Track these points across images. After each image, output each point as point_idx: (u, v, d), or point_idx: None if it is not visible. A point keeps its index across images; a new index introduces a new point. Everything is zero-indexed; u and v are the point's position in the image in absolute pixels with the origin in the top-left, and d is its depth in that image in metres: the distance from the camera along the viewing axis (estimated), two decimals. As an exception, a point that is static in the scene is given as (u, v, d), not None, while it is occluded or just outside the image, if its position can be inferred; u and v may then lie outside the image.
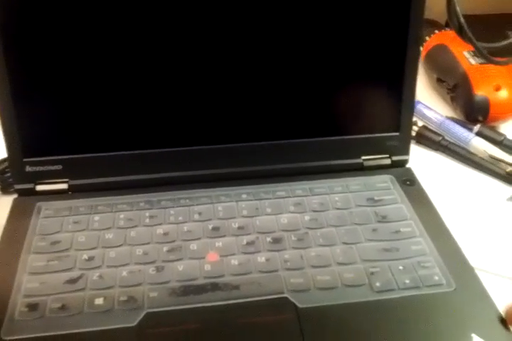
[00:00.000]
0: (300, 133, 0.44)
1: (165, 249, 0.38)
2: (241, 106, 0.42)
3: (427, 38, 0.65)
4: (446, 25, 0.76)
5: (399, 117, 0.44)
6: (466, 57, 0.58)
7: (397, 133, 0.45)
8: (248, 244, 0.38)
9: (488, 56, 0.46)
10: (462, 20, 0.44)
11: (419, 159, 0.51)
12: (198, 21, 0.39)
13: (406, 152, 0.46)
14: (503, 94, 0.53)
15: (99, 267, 0.36)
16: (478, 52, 0.45)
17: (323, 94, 0.43)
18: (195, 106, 0.42)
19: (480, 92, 0.53)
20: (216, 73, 0.41)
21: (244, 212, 0.41)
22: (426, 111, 0.57)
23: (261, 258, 0.37)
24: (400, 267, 0.37)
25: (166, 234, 0.39)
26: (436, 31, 0.65)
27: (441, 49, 0.61)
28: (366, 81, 0.43)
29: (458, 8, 0.44)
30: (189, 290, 0.35)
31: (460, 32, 0.44)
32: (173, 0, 0.38)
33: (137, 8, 0.38)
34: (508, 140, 0.52)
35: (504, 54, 0.51)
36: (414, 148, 0.53)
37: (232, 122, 0.43)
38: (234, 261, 0.37)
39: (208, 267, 0.36)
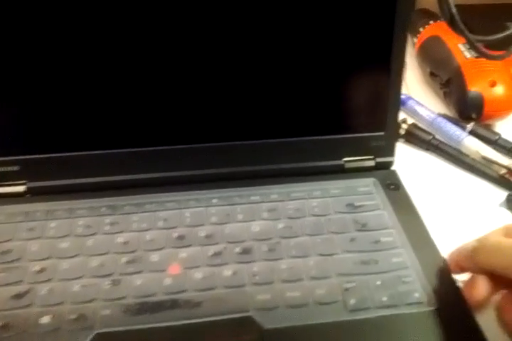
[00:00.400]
0: (277, 132, 0.41)
1: (123, 260, 0.35)
2: (212, 102, 0.39)
3: (421, 30, 0.62)
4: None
5: (384, 115, 0.41)
6: (461, 50, 0.54)
7: (381, 133, 0.42)
8: (215, 254, 0.35)
9: (481, 50, 0.42)
10: (454, 10, 0.40)
11: (408, 159, 0.47)
12: (181, 23, 0.35)
13: (391, 153, 0.42)
14: (499, 90, 0.49)
15: (49, 280, 0.33)
16: (470, 46, 0.42)
17: (301, 91, 0.39)
18: (161, 104, 0.38)
19: (474, 88, 0.50)
20: (189, 68, 0.37)
21: (214, 219, 0.38)
22: (417, 108, 0.53)
23: (227, 272, 0.34)
24: (378, 282, 0.33)
25: (126, 243, 0.36)
26: (432, 22, 0.61)
27: (435, 41, 0.58)
28: (348, 76, 0.39)
29: (450, -2, 0.41)
30: (146, 307, 0.32)
31: (451, 23, 0.41)
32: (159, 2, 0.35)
33: (118, 5, 0.34)
34: (503, 139, 0.49)
35: (502, 47, 0.47)
36: (403, 148, 0.50)
37: (203, 120, 0.40)
38: (197, 275, 0.34)
39: (168, 281, 0.33)
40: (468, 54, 0.53)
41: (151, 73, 0.37)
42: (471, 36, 0.42)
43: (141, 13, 0.35)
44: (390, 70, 0.39)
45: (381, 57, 0.39)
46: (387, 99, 0.40)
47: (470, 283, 0.32)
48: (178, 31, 0.36)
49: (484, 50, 0.43)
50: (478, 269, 0.31)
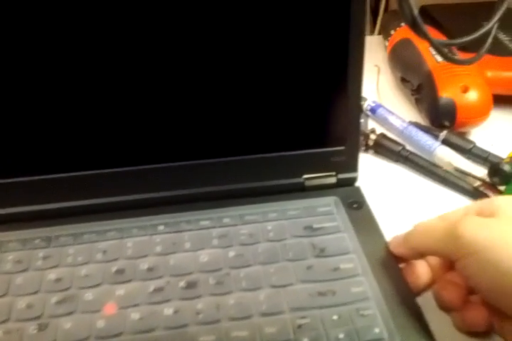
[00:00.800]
0: (229, 150, 0.37)
1: (54, 299, 0.31)
2: (157, 118, 0.36)
3: (393, 32, 0.59)
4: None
5: (343, 128, 0.38)
6: (432, 53, 0.51)
7: (342, 147, 0.38)
8: (156, 290, 0.32)
9: (447, 55, 0.39)
10: (415, 12, 0.37)
11: (376, 173, 0.44)
12: (139, 44, 0.32)
13: (354, 168, 0.39)
14: (472, 96, 0.46)
15: (-33, 326, 0.30)
16: (436, 50, 0.39)
17: (253, 104, 0.36)
18: (99, 125, 0.35)
19: (445, 94, 0.47)
20: (136, 88, 0.34)
21: (158, 249, 0.34)
22: (388, 116, 0.50)
23: (168, 310, 0.31)
24: (335, 317, 0.30)
25: (58, 279, 0.33)
26: (403, 24, 0.58)
27: (405, 44, 0.55)
28: (303, 87, 0.36)
29: (410, -1, 0.38)
30: (72, 356, 0.28)
31: (413, 26, 0.38)
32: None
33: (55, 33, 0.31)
34: (478, 148, 0.46)
35: (477, 49, 0.44)
36: (372, 160, 0.47)
37: (147, 138, 0.36)
38: (135, 315, 0.30)
39: (101, 323, 0.30)
40: (439, 58, 0.50)
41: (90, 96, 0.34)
42: (436, 40, 0.38)
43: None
44: (348, 80, 0.36)
45: (337, 66, 0.36)
46: (346, 110, 0.37)
47: (409, 269, 0.33)
48: (138, 55, 0.33)
49: (450, 55, 0.40)
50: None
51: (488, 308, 0.30)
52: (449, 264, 0.32)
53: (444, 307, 0.32)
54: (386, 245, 0.35)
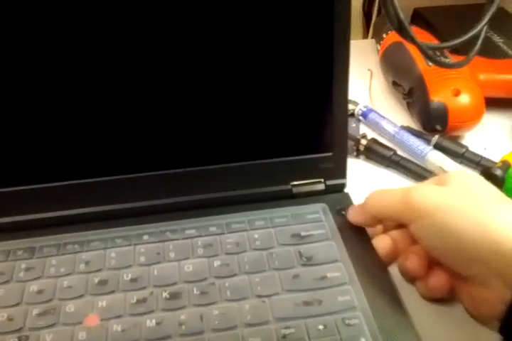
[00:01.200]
0: (214, 158, 0.37)
1: (35, 311, 0.31)
2: (140, 127, 0.35)
3: (385, 35, 0.58)
4: (412, 20, 0.69)
5: (331, 134, 0.37)
6: (423, 57, 0.50)
7: (329, 154, 0.38)
8: (138, 301, 0.31)
9: (435, 58, 0.39)
10: (401, 15, 0.37)
11: (366, 179, 0.44)
12: (115, 49, 0.32)
13: (342, 175, 0.38)
14: (463, 99, 0.46)
15: None
16: (423, 54, 0.38)
17: (239, 111, 0.36)
18: (79, 134, 0.35)
19: (437, 98, 0.46)
20: (113, 96, 0.34)
21: (142, 259, 0.34)
22: (379, 121, 0.49)
23: (151, 322, 0.30)
24: (320, 326, 0.29)
25: (40, 291, 0.32)
26: (395, 27, 0.58)
27: (397, 47, 0.54)
28: (287, 93, 0.36)
29: (396, 2, 0.37)
30: (50, 371, 0.28)
31: (400, 30, 0.37)
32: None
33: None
34: (471, 152, 0.45)
35: (468, 51, 0.44)
36: (363, 166, 0.46)
37: (129, 147, 0.36)
38: (116, 327, 0.30)
39: (82, 335, 0.29)
40: (430, 61, 0.49)
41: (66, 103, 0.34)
42: (423, 44, 0.38)
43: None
44: (333, 85, 0.35)
45: (321, 71, 0.35)
46: (332, 116, 0.36)
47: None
48: (118, 64, 0.33)
49: (439, 58, 0.39)
50: (370, 220, 0.34)
51: (447, 273, 0.32)
52: (412, 238, 0.33)
53: (409, 277, 0.34)
54: (374, 253, 0.34)
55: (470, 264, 0.29)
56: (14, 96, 0.33)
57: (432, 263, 0.33)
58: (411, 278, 0.34)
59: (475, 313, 0.32)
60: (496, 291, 0.29)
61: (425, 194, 0.31)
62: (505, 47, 0.57)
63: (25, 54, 0.32)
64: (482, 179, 0.33)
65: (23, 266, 0.34)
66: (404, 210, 0.32)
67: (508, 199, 0.31)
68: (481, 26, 0.42)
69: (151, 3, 0.31)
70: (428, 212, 0.30)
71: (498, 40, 0.58)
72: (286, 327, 0.29)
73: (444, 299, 0.33)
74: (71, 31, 0.31)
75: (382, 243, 0.34)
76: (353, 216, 0.36)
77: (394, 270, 0.34)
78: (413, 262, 0.33)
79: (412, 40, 0.37)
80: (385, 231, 0.36)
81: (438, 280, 0.32)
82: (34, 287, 0.32)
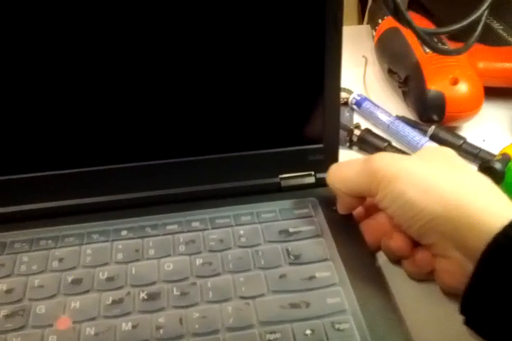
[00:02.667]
0: (199, 148, 0.35)
1: (3, 313, 0.29)
2: (119, 118, 0.33)
3: (380, 21, 0.56)
4: (409, 6, 0.66)
5: (321, 125, 0.35)
6: (420, 43, 0.48)
7: (320, 145, 0.36)
8: (114, 303, 0.29)
9: (433, 44, 0.36)
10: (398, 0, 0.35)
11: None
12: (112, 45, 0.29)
13: (334, 168, 0.37)
14: (462, 88, 0.43)
15: None
16: (420, 40, 0.36)
17: (225, 100, 0.33)
18: (63, 123, 0.32)
19: (434, 87, 0.44)
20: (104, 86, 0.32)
21: (119, 257, 0.32)
22: (373, 110, 0.47)
23: (127, 325, 0.28)
24: (308, 331, 0.28)
25: (9, 291, 0.30)
26: (391, 12, 0.55)
27: (393, 33, 0.52)
28: (275, 82, 0.33)
29: (393, -16, 0.35)
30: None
31: (396, 14, 0.35)
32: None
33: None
34: (469, 144, 0.43)
35: (467, 38, 0.41)
36: (356, 157, 0.44)
37: (106, 138, 0.34)
38: (90, 330, 0.28)
39: (53, 339, 0.27)
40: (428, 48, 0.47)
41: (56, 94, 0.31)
42: (421, 28, 0.36)
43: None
44: (324, 72, 0.33)
45: (311, 58, 0.33)
46: (323, 106, 0.34)
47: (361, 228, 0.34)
48: (111, 54, 0.30)
49: (436, 44, 0.37)
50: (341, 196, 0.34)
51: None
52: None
53: (394, 257, 0.33)
54: (366, 251, 0.32)
55: (427, 233, 0.29)
56: (16, 87, 0.31)
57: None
58: (397, 258, 0.33)
59: (441, 285, 0.31)
60: (456, 262, 0.28)
61: (386, 161, 0.31)
62: (505, 35, 0.54)
63: (25, 49, 0.30)
64: (452, 152, 0.32)
65: (-8, 263, 0.32)
66: (367, 179, 0.31)
67: (472, 170, 0.31)
68: (481, 11, 0.40)
69: (145, 3, 0.29)
70: (389, 179, 0.30)
71: (497, 26, 0.56)
72: (272, 332, 0.28)
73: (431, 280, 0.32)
74: (68, 27, 0.29)
75: (366, 227, 0.34)
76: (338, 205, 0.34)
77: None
78: (397, 241, 0.32)
79: (408, 24, 0.35)
80: (369, 215, 0.35)
81: (425, 255, 0.31)
82: (3, 286, 0.30)
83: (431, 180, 0.29)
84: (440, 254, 0.30)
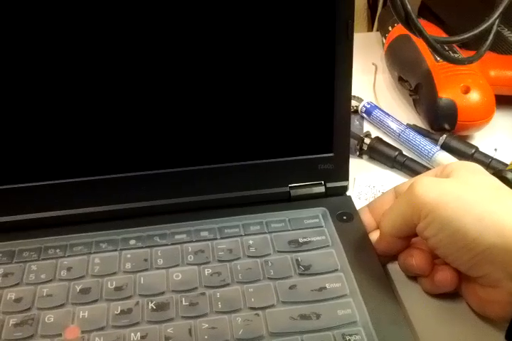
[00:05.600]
0: (208, 158, 0.35)
1: (12, 322, 0.29)
2: (129, 127, 0.33)
3: (391, 28, 0.55)
4: (419, 13, 0.66)
5: (331, 134, 0.35)
6: (431, 51, 0.48)
7: (330, 154, 0.35)
8: (123, 312, 0.29)
9: (444, 54, 0.36)
10: (409, 7, 0.34)
11: (369, 181, 0.41)
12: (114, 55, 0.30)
13: (344, 177, 0.36)
14: (473, 97, 0.43)
15: None
16: (431, 49, 0.36)
17: (235, 109, 0.33)
18: (66, 132, 0.32)
19: (445, 95, 0.44)
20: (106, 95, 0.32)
21: (128, 266, 0.32)
22: (384, 118, 0.47)
23: (135, 335, 0.28)
24: (318, 343, 0.27)
25: (18, 299, 0.30)
26: (402, 20, 0.55)
27: (404, 41, 0.51)
28: (287, 89, 0.33)
29: (404, -8, 0.35)
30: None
31: (406, 23, 0.35)
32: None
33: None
34: (481, 153, 0.42)
35: (478, 46, 0.41)
36: (366, 166, 0.44)
37: (117, 147, 0.33)
38: (98, 340, 0.28)
39: (61, 349, 0.27)
40: (439, 56, 0.47)
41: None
42: (432, 37, 0.35)
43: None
44: (335, 80, 0.33)
45: (322, 65, 0.33)
46: (333, 114, 0.34)
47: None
48: (123, 63, 0.31)
49: (448, 53, 0.37)
50: (395, 241, 0.32)
51: (453, 268, 0.30)
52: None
53: (413, 274, 0.32)
54: (377, 262, 0.32)
55: (479, 264, 0.27)
56: (19, 93, 0.31)
57: (436, 256, 0.31)
58: (414, 275, 0.32)
59: (481, 313, 0.30)
60: (506, 292, 0.27)
61: (426, 186, 0.29)
62: (516, 43, 0.54)
63: (29, 53, 0.30)
64: (483, 169, 0.31)
65: (1, 271, 0.32)
66: (409, 207, 0.29)
67: (510, 189, 0.29)
68: (493, 20, 0.39)
69: (158, 4, 0.29)
70: (431, 206, 0.28)
71: (508, 34, 0.55)
72: (282, 344, 0.27)
73: (446, 294, 0.31)
74: (72, 30, 0.30)
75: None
76: (380, 246, 0.33)
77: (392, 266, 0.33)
78: (418, 259, 0.31)
79: (420, 33, 0.35)
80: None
81: (445, 275, 0.30)
82: (12, 295, 0.30)
83: (482, 206, 0.27)
84: (489, 285, 0.28)
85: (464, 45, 0.49)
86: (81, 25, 0.29)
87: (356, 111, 0.49)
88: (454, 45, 0.48)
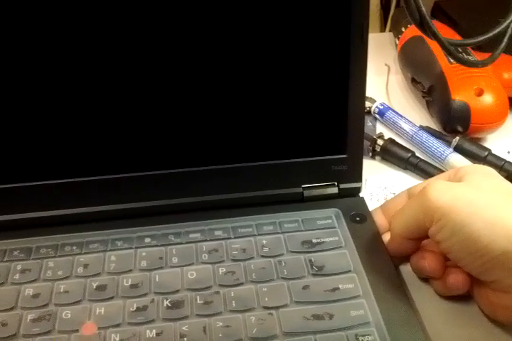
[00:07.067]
0: (223, 158, 0.35)
1: (30, 317, 0.29)
2: (144, 127, 0.33)
3: (404, 30, 0.55)
4: (432, 14, 0.66)
5: (345, 135, 0.35)
6: (445, 53, 0.48)
7: (344, 156, 0.36)
8: (138, 309, 0.30)
9: (459, 56, 0.36)
10: (423, 10, 0.34)
11: (382, 182, 0.42)
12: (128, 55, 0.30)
13: (357, 178, 0.36)
14: (487, 99, 0.43)
15: None
16: (445, 51, 0.36)
17: (248, 110, 0.34)
18: (85, 131, 0.33)
19: (458, 97, 0.44)
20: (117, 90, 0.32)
21: (143, 264, 0.32)
22: (397, 120, 0.47)
23: (151, 332, 0.28)
24: (331, 343, 0.28)
25: (35, 295, 0.30)
26: (415, 21, 0.55)
27: (417, 42, 0.51)
28: (300, 91, 0.33)
29: (420, -5, 0.35)
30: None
31: (421, 25, 0.35)
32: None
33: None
34: (494, 156, 0.43)
35: (493, 48, 0.41)
36: (378, 167, 0.44)
37: (133, 146, 0.34)
38: (115, 336, 0.28)
39: (78, 345, 0.28)
40: (453, 57, 0.47)
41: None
42: (447, 40, 0.35)
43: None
44: (349, 82, 0.33)
45: (336, 67, 0.33)
46: (347, 116, 0.34)
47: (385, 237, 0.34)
48: (136, 65, 0.31)
49: (462, 56, 0.37)
50: (407, 242, 0.32)
51: (465, 271, 0.30)
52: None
53: (425, 276, 0.32)
54: (389, 264, 0.32)
55: (490, 269, 0.27)
56: (22, 93, 0.31)
57: (447, 259, 0.31)
58: (426, 277, 0.32)
59: (492, 317, 0.30)
60: None
61: (438, 190, 0.29)
62: (530, 45, 0.54)
63: (29, 52, 0.30)
64: (496, 173, 0.31)
65: (19, 267, 0.32)
66: (422, 210, 0.29)
67: None
68: (508, 22, 0.39)
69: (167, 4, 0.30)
70: (444, 211, 0.28)
71: (523, 36, 0.55)
72: (295, 343, 0.28)
73: (458, 296, 0.31)
74: (75, 30, 0.30)
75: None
76: (390, 247, 0.33)
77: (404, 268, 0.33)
78: (430, 261, 0.31)
79: (434, 36, 0.35)
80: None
81: (457, 278, 0.30)
82: (30, 290, 0.31)
83: (494, 211, 0.27)
84: (501, 290, 0.28)
85: (478, 46, 0.49)
86: (83, 26, 0.30)
87: (369, 112, 0.49)
88: (468, 47, 0.48)
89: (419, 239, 0.31)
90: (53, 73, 0.31)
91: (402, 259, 0.33)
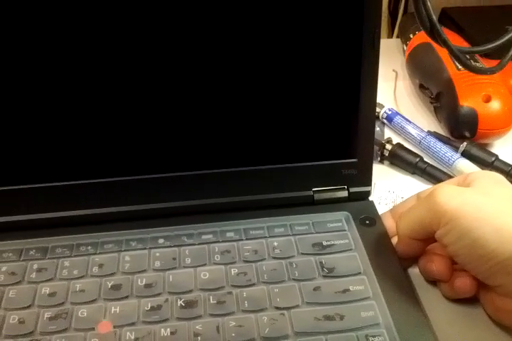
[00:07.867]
0: (234, 161, 0.36)
1: (47, 315, 0.30)
2: (158, 129, 0.34)
3: (412, 36, 0.56)
4: (439, 20, 0.67)
5: (356, 139, 0.36)
6: (453, 59, 0.48)
7: (354, 160, 0.36)
8: (153, 309, 0.30)
9: (467, 63, 0.37)
10: (434, 18, 0.35)
11: (390, 186, 0.42)
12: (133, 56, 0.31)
13: (367, 182, 0.37)
14: (494, 105, 0.44)
15: (-46, 344, 0.29)
16: (455, 58, 0.36)
17: (260, 114, 0.34)
18: (98, 132, 0.34)
19: (466, 103, 0.44)
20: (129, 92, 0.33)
21: (157, 264, 0.33)
22: (405, 125, 0.48)
23: (165, 331, 0.29)
24: (342, 344, 0.28)
25: (52, 294, 0.31)
26: (423, 28, 0.56)
27: (425, 49, 0.52)
28: (312, 96, 0.34)
29: (429, 3, 0.35)
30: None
31: (431, 33, 0.35)
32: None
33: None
34: (501, 161, 0.43)
35: (501, 55, 0.42)
36: (387, 172, 0.45)
37: (148, 149, 0.35)
38: (130, 335, 0.29)
39: (95, 343, 0.29)
40: (460, 64, 0.48)
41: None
42: (456, 47, 0.36)
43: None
44: (361, 87, 0.34)
45: (348, 73, 0.34)
46: (358, 120, 0.35)
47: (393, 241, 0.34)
48: (139, 67, 0.32)
49: (470, 63, 0.37)
50: (412, 243, 0.33)
51: (472, 275, 0.30)
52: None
53: (433, 279, 0.33)
54: (399, 266, 0.33)
55: (496, 274, 0.28)
56: (28, 94, 0.32)
57: (454, 262, 0.31)
58: (434, 280, 0.33)
59: (497, 320, 0.31)
60: None
61: (447, 194, 0.29)
62: (537, 52, 0.54)
63: (32, 54, 0.31)
64: (505, 180, 0.31)
65: (35, 266, 0.33)
66: (429, 213, 0.30)
67: None
68: (517, 30, 0.40)
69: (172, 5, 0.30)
70: (452, 215, 0.28)
71: (529, 43, 0.56)
72: (306, 343, 0.28)
73: (466, 299, 0.32)
74: (76, 32, 0.30)
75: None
76: (398, 248, 0.33)
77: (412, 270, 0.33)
78: (438, 265, 0.31)
79: (444, 43, 0.36)
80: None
81: (464, 282, 0.31)
82: (46, 289, 0.31)
83: (502, 217, 0.28)
84: (506, 295, 0.29)
85: (485, 54, 0.50)
86: (85, 28, 0.30)
87: (377, 117, 0.50)
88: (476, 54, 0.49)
89: (425, 240, 0.32)
90: (69, 78, 0.32)
91: (410, 262, 0.34)
